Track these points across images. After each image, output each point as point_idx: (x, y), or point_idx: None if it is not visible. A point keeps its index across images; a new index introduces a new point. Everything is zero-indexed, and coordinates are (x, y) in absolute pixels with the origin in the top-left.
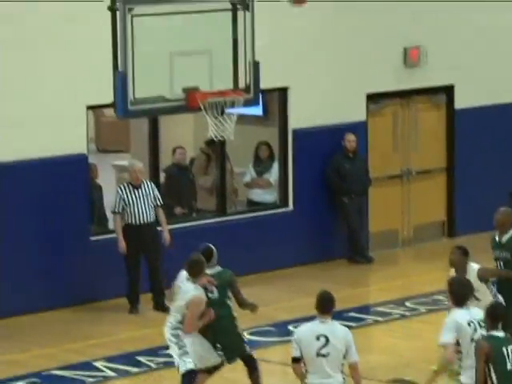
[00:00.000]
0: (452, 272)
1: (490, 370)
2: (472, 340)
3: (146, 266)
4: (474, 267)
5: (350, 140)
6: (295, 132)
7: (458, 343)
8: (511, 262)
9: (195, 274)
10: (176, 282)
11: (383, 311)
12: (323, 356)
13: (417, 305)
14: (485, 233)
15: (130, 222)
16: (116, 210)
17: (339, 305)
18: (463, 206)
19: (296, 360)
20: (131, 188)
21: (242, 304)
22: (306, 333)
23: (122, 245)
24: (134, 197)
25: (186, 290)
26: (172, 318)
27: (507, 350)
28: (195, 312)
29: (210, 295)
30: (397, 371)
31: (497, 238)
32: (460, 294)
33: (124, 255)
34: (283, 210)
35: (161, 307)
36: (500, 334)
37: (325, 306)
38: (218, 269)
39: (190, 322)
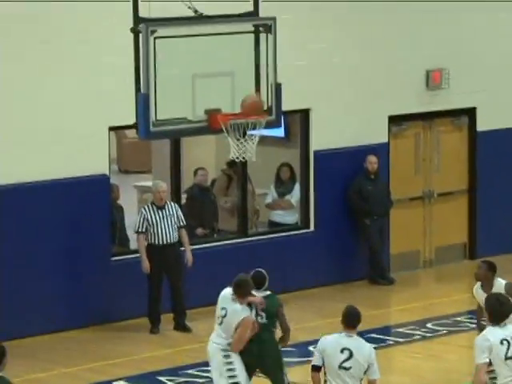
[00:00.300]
0: (477, 286)
1: None
2: (506, 358)
3: (167, 286)
4: (501, 282)
5: (372, 162)
6: (317, 153)
7: (490, 363)
8: None
9: (243, 294)
10: (218, 303)
11: (404, 332)
12: (345, 369)
13: (438, 326)
14: (507, 255)
15: (153, 242)
16: (139, 230)
17: (360, 325)
18: (485, 228)
19: (316, 368)
20: (155, 208)
21: (283, 331)
22: (331, 344)
23: (146, 264)
24: (157, 217)
25: (235, 310)
26: (220, 340)
27: None
28: (245, 334)
29: (259, 319)
30: None
31: None
32: (497, 311)
33: (146, 275)
34: (304, 231)
35: (182, 327)
36: None
37: (351, 320)
38: (267, 293)
39: (239, 342)
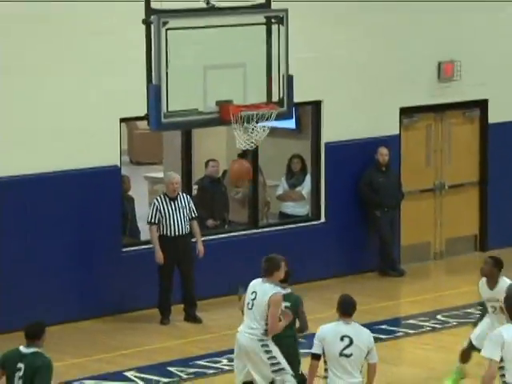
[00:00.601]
0: (483, 282)
1: None
2: None
3: (178, 277)
4: (506, 281)
5: (383, 154)
6: (328, 145)
7: (501, 359)
8: None
9: (271, 269)
10: (248, 290)
11: (414, 324)
12: (346, 356)
13: (448, 318)
14: None
15: (165, 233)
16: (152, 221)
17: (371, 317)
18: (496, 220)
19: (316, 357)
20: (168, 200)
21: (300, 329)
22: (330, 332)
23: (160, 255)
24: (170, 209)
25: (264, 290)
26: (252, 330)
27: None
28: (277, 312)
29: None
30: (426, 383)
31: None
32: None
33: (158, 266)
34: (315, 222)
35: (192, 318)
36: None
37: (346, 308)
38: (289, 291)
39: (273, 322)
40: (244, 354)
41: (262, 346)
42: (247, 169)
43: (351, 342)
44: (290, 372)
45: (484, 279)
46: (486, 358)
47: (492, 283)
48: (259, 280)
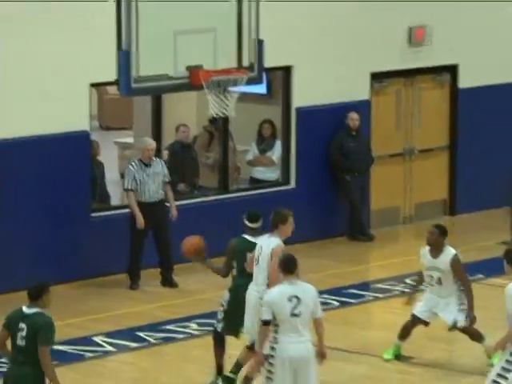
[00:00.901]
0: (426, 251)
1: None
2: None
3: (152, 243)
4: (451, 250)
5: (354, 118)
6: (298, 110)
7: None
8: None
9: (275, 223)
10: (256, 248)
11: (383, 288)
12: (296, 316)
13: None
14: (486, 211)
15: (140, 199)
16: (129, 187)
17: (340, 281)
18: (465, 184)
19: (267, 323)
20: (143, 166)
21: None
22: (277, 295)
23: (141, 221)
24: (145, 175)
25: (268, 243)
26: (257, 286)
27: None
28: (276, 263)
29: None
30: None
31: None
32: None
33: (131, 231)
34: (285, 187)
35: (169, 282)
36: None
37: (288, 265)
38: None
39: (272, 274)
40: (251, 310)
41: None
42: (196, 247)
43: (299, 301)
44: None
45: (427, 248)
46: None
47: (436, 252)
48: (266, 235)
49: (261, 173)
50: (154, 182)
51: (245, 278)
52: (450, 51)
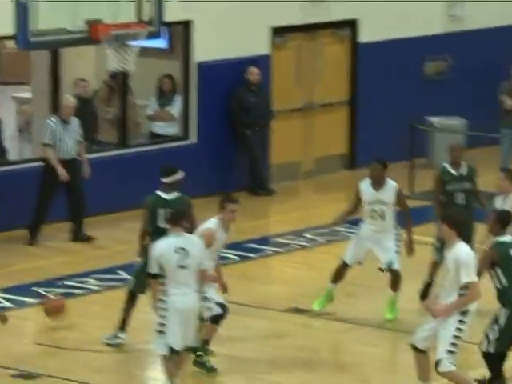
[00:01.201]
0: (367, 183)
1: (498, 275)
2: None
3: (60, 198)
4: (392, 183)
5: (254, 73)
6: (199, 65)
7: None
8: (471, 192)
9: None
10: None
11: (283, 242)
12: (183, 267)
13: (316, 236)
14: None
15: (58, 155)
16: (48, 143)
17: (240, 236)
18: (364, 139)
19: (155, 276)
20: (62, 123)
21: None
22: (164, 248)
23: (63, 172)
24: (64, 131)
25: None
26: None
27: None
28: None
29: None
30: (296, 301)
31: (453, 172)
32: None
33: (40, 186)
34: (186, 142)
35: (80, 237)
36: (506, 238)
37: (174, 216)
38: (177, 194)
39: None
40: None
41: None
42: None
43: (186, 253)
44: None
45: (368, 181)
46: (472, 281)
47: (379, 186)
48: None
49: (161, 128)
50: (71, 139)
51: (159, 235)
52: (349, 6)
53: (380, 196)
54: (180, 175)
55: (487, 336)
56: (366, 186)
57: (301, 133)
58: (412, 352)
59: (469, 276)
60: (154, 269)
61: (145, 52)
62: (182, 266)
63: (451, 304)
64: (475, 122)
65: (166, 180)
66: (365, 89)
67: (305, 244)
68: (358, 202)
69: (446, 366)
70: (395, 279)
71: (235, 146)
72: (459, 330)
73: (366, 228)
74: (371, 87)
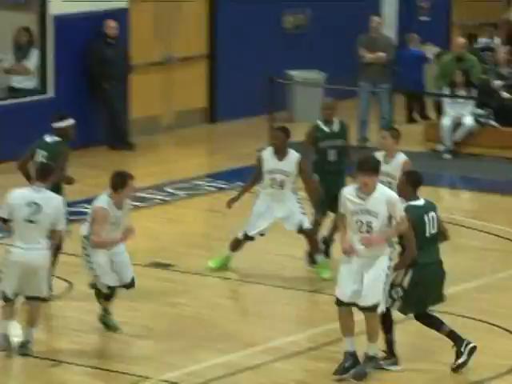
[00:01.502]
0: (269, 152)
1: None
2: None
3: None
4: (295, 153)
5: (111, 26)
6: (56, 18)
7: None
8: (344, 149)
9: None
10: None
11: (144, 197)
12: (31, 222)
13: (177, 190)
14: (245, 119)
15: None
16: None
17: (100, 190)
18: (224, 93)
19: (3, 220)
20: None
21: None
22: (17, 198)
23: None
24: None
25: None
26: None
27: (428, 216)
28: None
29: None
30: (156, 255)
31: (325, 129)
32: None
33: None
34: (44, 96)
35: None
36: (419, 202)
37: (40, 171)
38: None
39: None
40: None
41: None
42: None
43: (39, 209)
44: None
45: (270, 151)
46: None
47: (281, 155)
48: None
49: (18, 82)
50: None
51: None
52: None
53: (282, 165)
54: (68, 122)
55: (391, 296)
56: (267, 154)
57: (161, 87)
58: (337, 308)
59: (400, 210)
60: (2, 213)
61: (0, 4)
62: (30, 221)
63: (386, 231)
64: (334, 75)
65: (54, 125)
66: (224, 42)
67: (166, 198)
68: (259, 173)
69: (382, 307)
70: (311, 240)
71: (94, 100)
72: (387, 275)
73: (265, 198)
74: (230, 41)
